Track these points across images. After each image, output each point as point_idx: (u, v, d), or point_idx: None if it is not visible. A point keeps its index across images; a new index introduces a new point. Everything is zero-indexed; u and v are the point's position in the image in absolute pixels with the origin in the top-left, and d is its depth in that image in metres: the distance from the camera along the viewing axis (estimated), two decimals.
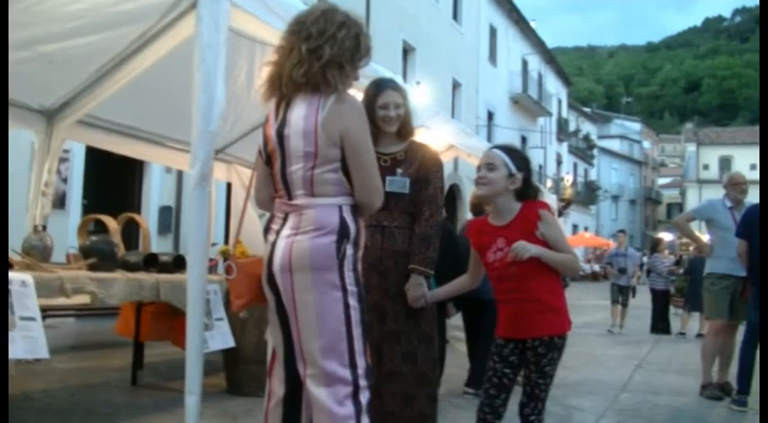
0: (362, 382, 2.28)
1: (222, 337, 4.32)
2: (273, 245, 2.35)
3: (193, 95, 2.72)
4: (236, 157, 7.07)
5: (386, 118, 3.23)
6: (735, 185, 6.11)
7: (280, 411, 2.41)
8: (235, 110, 5.56)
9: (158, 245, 11.57)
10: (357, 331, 2.29)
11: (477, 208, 5.72)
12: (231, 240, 6.88)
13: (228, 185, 8.56)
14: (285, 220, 2.36)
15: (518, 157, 2.84)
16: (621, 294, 11.88)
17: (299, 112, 2.32)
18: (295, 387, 2.37)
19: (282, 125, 2.36)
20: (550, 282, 2.76)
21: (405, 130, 3.31)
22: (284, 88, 2.35)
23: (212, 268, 7.22)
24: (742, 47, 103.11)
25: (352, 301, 2.29)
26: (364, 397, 2.28)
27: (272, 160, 2.41)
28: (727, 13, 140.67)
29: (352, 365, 2.27)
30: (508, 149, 2.86)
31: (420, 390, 3.17)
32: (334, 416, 2.21)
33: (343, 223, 2.30)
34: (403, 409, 3.12)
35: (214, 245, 7.98)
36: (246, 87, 5.08)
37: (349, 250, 2.31)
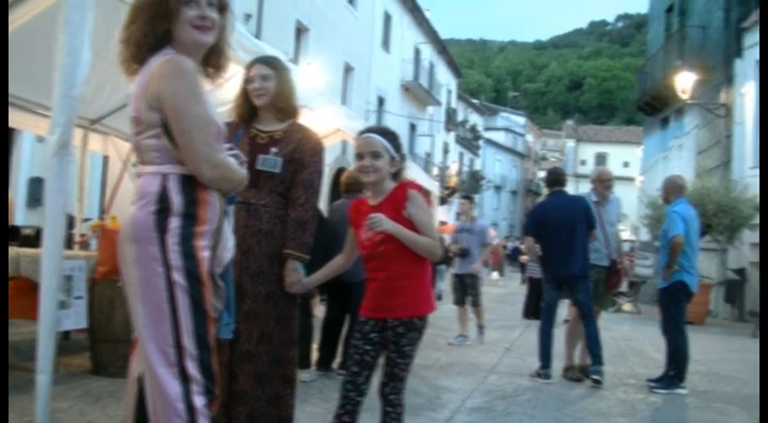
0: (190, 364, 2.10)
1: (77, 317, 4.14)
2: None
3: (56, 58, 2.58)
4: (113, 129, 6.77)
5: (252, 91, 3.21)
6: (602, 182, 6.49)
7: (135, 390, 2.33)
8: (112, 78, 5.29)
9: (27, 218, 10.93)
10: (184, 310, 2.11)
11: (352, 187, 5.74)
12: (106, 213, 6.61)
13: (105, 158, 8.17)
14: None
15: (394, 139, 2.89)
16: (466, 289, 8.41)
17: (137, 78, 2.22)
18: None
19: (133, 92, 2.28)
20: (416, 264, 2.81)
21: (283, 108, 3.25)
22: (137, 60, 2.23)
23: (84, 244, 6.90)
24: (622, 51, 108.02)
25: (178, 278, 2.11)
26: (196, 384, 2.11)
27: None
28: (610, 18, 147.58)
29: (177, 345, 2.10)
30: (384, 133, 2.89)
31: (274, 370, 3.15)
32: (165, 397, 2.09)
33: (163, 193, 2.14)
34: (255, 390, 3.10)
35: (86, 220, 7.63)
36: None
37: (174, 223, 2.13)
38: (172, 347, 2.10)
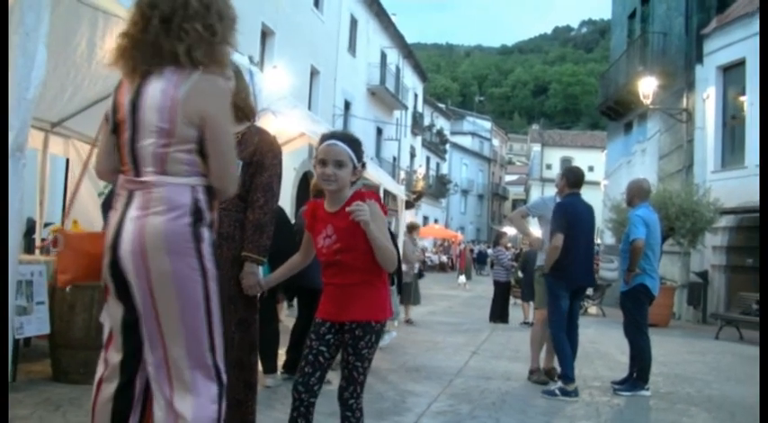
0: (220, 365, 2.23)
1: (39, 323, 4.05)
2: (119, 226, 2.15)
3: (10, 59, 2.52)
4: (74, 132, 6.67)
5: None
6: None
7: (111, 399, 2.24)
8: (74, 80, 5.22)
9: None
10: (216, 314, 2.22)
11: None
12: (66, 217, 6.48)
13: (67, 161, 8.04)
14: (130, 198, 2.17)
15: (357, 147, 2.82)
16: None
17: (158, 85, 2.14)
18: (131, 376, 2.24)
19: (137, 95, 2.18)
20: (373, 272, 2.78)
21: (240, 109, 3.23)
22: (156, 62, 2.17)
23: (45, 248, 6.77)
24: (586, 56, 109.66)
25: (212, 285, 2.20)
26: (224, 378, 2.24)
27: (121, 130, 2.23)
28: (574, 24, 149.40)
29: (212, 349, 2.20)
30: (349, 141, 2.81)
31: (235, 375, 3.11)
32: (201, 396, 2.15)
33: (196, 204, 2.16)
34: None
35: (48, 224, 7.49)
36: (87, 57, 4.76)
37: (206, 232, 2.18)
38: (209, 351, 2.19)
